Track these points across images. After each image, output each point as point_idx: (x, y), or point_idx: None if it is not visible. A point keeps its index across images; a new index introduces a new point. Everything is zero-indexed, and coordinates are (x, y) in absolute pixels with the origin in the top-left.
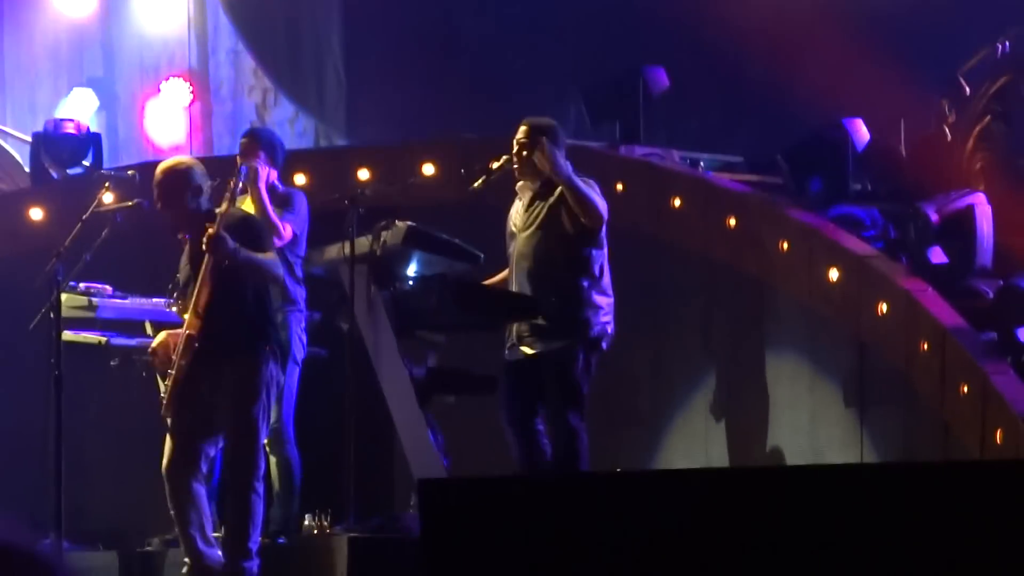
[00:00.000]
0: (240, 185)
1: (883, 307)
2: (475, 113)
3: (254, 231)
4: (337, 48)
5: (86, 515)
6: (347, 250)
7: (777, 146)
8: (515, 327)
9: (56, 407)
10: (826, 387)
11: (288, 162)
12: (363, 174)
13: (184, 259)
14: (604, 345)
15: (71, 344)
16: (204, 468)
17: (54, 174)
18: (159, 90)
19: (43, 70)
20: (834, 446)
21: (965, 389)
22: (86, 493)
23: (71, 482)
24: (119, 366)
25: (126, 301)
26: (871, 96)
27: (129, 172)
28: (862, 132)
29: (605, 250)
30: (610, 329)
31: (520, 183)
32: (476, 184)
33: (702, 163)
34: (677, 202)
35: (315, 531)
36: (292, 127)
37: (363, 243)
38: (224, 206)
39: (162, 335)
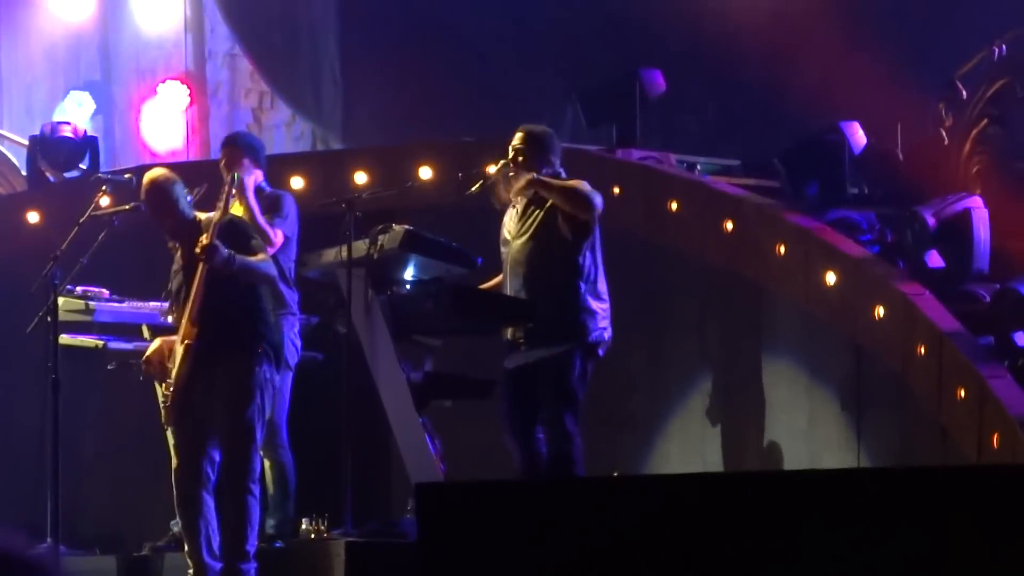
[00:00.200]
0: (232, 194)
1: (880, 311)
2: (472, 116)
3: (245, 235)
4: (334, 51)
5: (83, 519)
6: (344, 254)
7: (774, 150)
8: (511, 332)
9: (53, 410)
10: (823, 391)
11: (285, 165)
12: (360, 177)
13: (175, 267)
14: (601, 352)
15: (68, 348)
16: (211, 474)
17: (51, 177)
18: (156, 93)
19: (40, 73)
20: (831, 450)
21: (962, 393)
22: (83, 497)
23: (68, 486)
24: (116, 370)
25: (123, 305)
26: (868, 100)
27: (126, 175)
28: (859, 136)
29: (600, 255)
30: (607, 335)
31: (514, 191)
32: (473, 189)
33: (699, 166)
34: (674, 206)
35: (312, 535)
36: (289, 130)
37: (360, 247)
38: (216, 215)
39: (156, 343)
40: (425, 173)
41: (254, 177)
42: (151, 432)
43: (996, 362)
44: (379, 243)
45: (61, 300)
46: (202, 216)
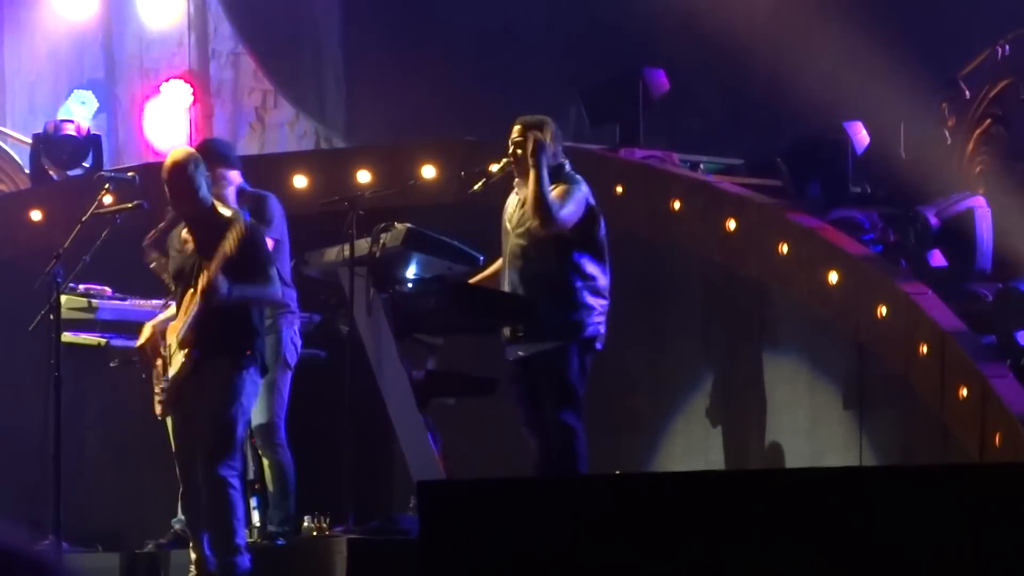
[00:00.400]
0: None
1: (882, 310)
2: (475, 115)
3: (248, 271)
4: (337, 50)
5: (85, 516)
6: (346, 252)
7: (777, 149)
8: (509, 329)
9: (55, 408)
10: (825, 390)
11: (288, 164)
12: (363, 176)
13: (177, 248)
14: (599, 346)
15: (71, 345)
16: None
17: (54, 176)
18: (159, 92)
19: (43, 72)
20: (833, 449)
21: (964, 392)
22: (85, 494)
23: (70, 483)
24: (118, 367)
25: (125, 303)
26: (871, 99)
27: (129, 174)
28: (862, 135)
29: (605, 251)
30: (602, 330)
31: (517, 181)
32: (476, 187)
33: (702, 165)
34: (677, 205)
35: (314, 533)
36: (292, 129)
37: (363, 245)
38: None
39: (147, 330)
40: (428, 172)
41: (233, 188)
42: (153, 430)
43: (998, 361)
44: (381, 241)
45: (64, 298)
46: (222, 209)
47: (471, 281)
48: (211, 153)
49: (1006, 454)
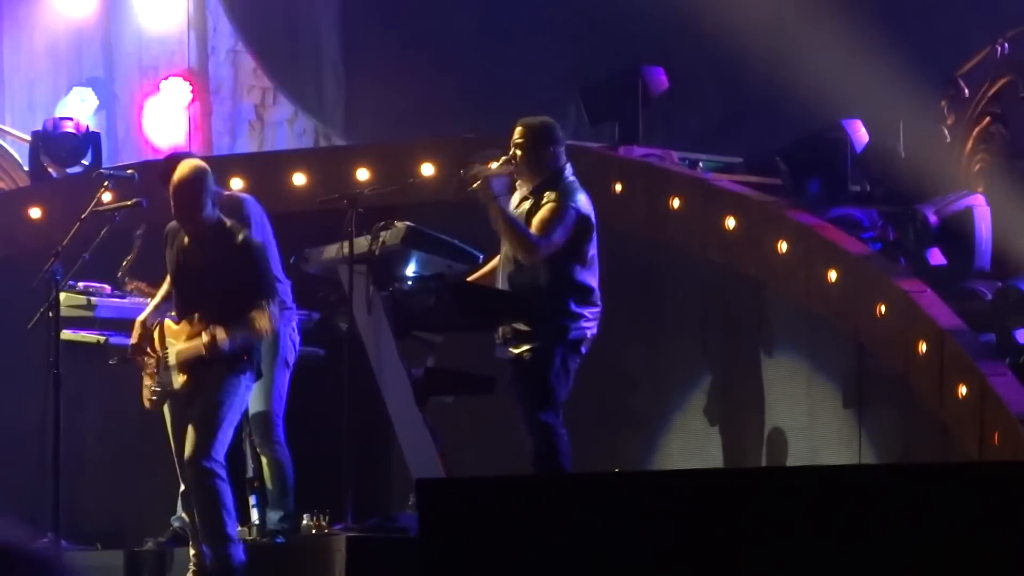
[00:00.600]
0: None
1: (881, 308)
2: (474, 113)
3: (250, 293)
4: (336, 48)
5: (84, 514)
6: (346, 250)
7: (776, 147)
8: (501, 329)
9: (55, 406)
10: (824, 388)
11: (287, 162)
12: (362, 174)
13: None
14: (584, 349)
15: (70, 343)
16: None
17: (53, 173)
18: (158, 89)
19: (42, 69)
20: (832, 447)
21: (963, 390)
22: (84, 492)
23: (69, 481)
24: (117, 365)
25: (124, 300)
26: (870, 97)
27: (128, 171)
28: (861, 133)
29: (594, 255)
30: (589, 333)
31: (518, 181)
32: (475, 185)
33: (701, 164)
34: (676, 203)
35: (313, 530)
36: (291, 127)
37: (362, 243)
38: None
39: (137, 328)
40: (427, 170)
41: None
42: (152, 428)
43: (997, 360)
44: (381, 239)
45: (63, 296)
46: (227, 223)
47: (470, 278)
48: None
49: (1005, 452)
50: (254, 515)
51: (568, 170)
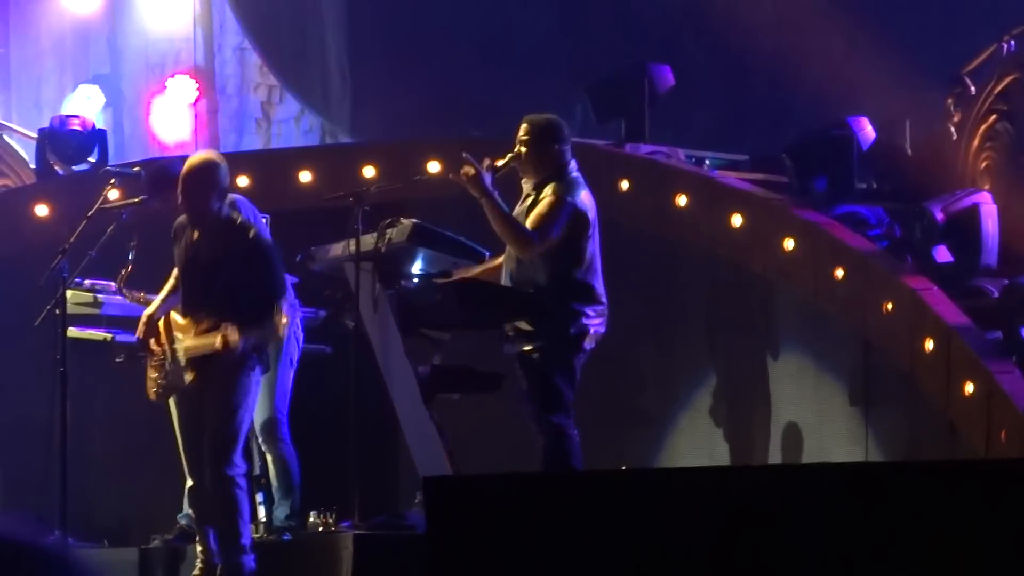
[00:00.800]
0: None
1: (888, 306)
2: (480, 111)
3: (259, 286)
4: (342, 45)
5: (91, 511)
6: (352, 248)
7: (782, 144)
8: (508, 325)
9: (61, 403)
10: (831, 386)
11: (293, 159)
12: (369, 171)
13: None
14: (587, 345)
15: (76, 341)
16: None
17: (59, 171)
18: (165, 87)
19: (49, 67)
20: (839, 444)
21: (970, 388)
22: (91, 489)
23: (76, 478)
24: (124, 363)
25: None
26: (876, 95)
27: (134, 169)
28: (867, 131)
29: (596, 251)
30: (593, 330)
31: (524, 180)
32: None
33: (707, 161)
34: (682, 200)
35: (320, 528)
36: (298, 124)
37: (368, 240)
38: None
39: (143, 323)
40: (433, 167)
41: None
42: (159, 425)
43: (1004, 357)
44: (387, 237)
45: (69, 293)
46: (235, 217)
47: (474, 272)
48: (164, 179)
49: (1012, 450)
50: (261, 512)
51: (573, 166)
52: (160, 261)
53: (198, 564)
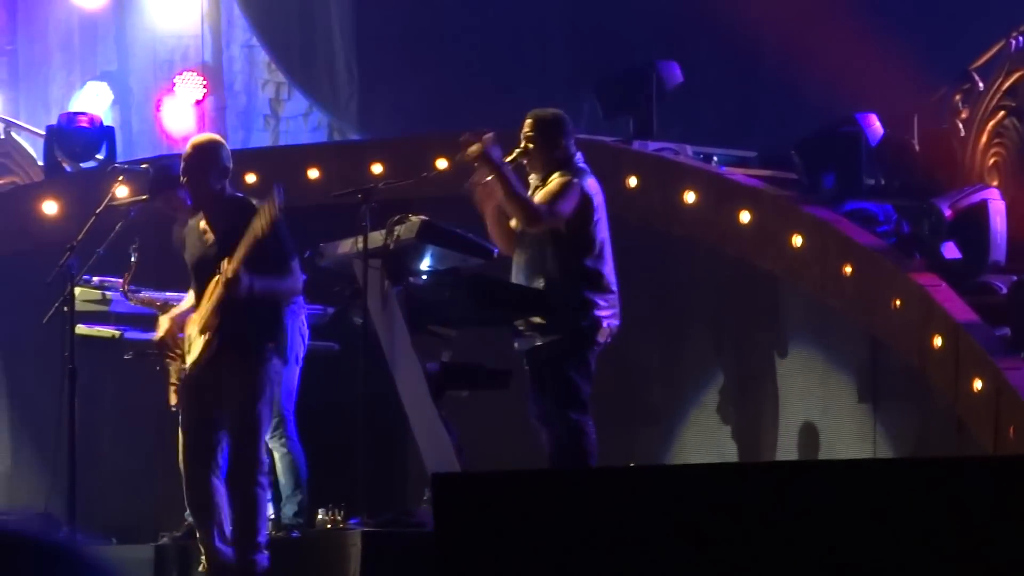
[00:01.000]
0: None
1: (896, 302)
2: (488, 107)
3: (272, 261)
4: (351, 43)
5: (99, 509)
6: (360, 244)
7: (791, 141)
8: (519, 321)
9: (69, 400)
10: (839, 382)
11: (301, 156)
12: (377, 168)
13: (194, 236)
14: (600, 339)
15: (85, 338)
16: (220, 462)
17: (67, 168)
18: (173, 84)
19: (57, 64)
20: (847, 441)
21: (978, 384)
22: (99, 487)
23: (85, 476)
24: (132, 360)
25: (140, 295)
26: (884, 91)
27: (143, 166)
28: (875, 127)
29: (607, 244)
30: (605, 324)
31: (532, 176)
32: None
33: (715, 158)
34: (690, 197)
35: (328, 525)
36: (306, 121)
37: (376, 237)
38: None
39: (164, 323)
40: (441, 164)
41: None
42: (167, 422)
43: (1013, 353)
44: (395, 234)
45: (78, 290)
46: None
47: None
48: (166, 179)
49: (1020, 446)
50: (269, 509)
51: (579, 158)
52: (163, 261)
53: (202, 562)
